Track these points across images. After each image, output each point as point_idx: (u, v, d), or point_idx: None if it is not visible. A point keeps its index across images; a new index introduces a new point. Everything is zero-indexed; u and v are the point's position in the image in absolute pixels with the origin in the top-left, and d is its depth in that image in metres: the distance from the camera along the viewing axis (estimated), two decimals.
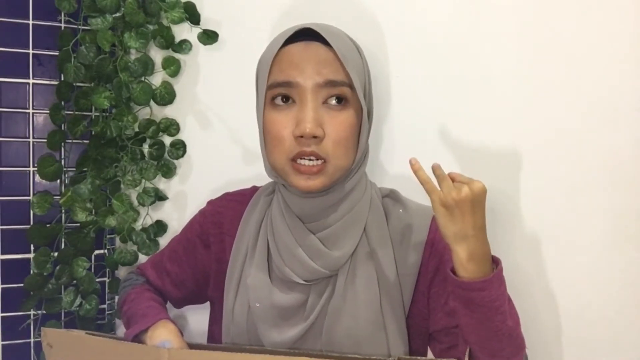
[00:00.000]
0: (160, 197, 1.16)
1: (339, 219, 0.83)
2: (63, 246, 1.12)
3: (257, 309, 0.84)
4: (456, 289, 0.73)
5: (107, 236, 1.16)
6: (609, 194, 1.03)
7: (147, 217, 1.17)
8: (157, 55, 1.13)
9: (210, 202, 0.97)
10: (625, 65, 1.01)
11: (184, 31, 1.14)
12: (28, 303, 1.10)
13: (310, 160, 0.78)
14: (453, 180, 0.73)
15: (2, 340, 1.09)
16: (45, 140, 1.10)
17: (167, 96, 1.13)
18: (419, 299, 0.84)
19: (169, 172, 1.15)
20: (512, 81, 1.04)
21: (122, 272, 1.17)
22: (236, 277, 0.88)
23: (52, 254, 1.11)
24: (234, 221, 0.92)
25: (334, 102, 0.79)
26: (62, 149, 1.12)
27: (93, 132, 1.11)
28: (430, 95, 1.08)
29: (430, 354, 0.87)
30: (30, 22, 1.08)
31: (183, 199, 1.18)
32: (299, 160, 0.78)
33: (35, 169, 1.09)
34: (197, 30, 1.12)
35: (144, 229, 1.16)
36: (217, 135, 1.16)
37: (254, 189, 0.96)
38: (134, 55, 1.12)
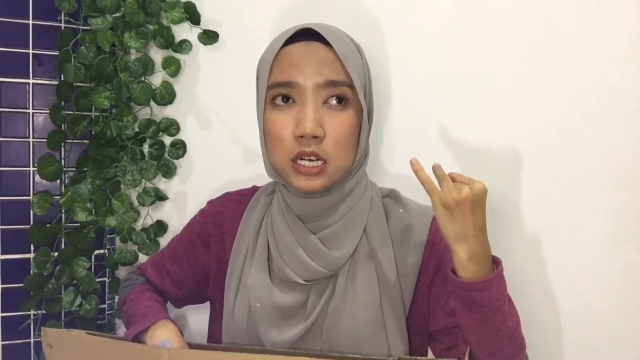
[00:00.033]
0: (160, 197, 1.16)
1: (339, 219, 0.83)
2: (63, 246, 1.12)
3: (258, 309, 0.84)
4: (456, 289, 0.73)
5: (107, 236, 1.16)
6: (609, 194, 1.03)
7: (148, 217, 1.17)
8: (157, 55, 1.13)
9: (210, 202, 0.97)
10: (625, 65, 1.01)
11: (184, 31, 1.14)
12: (28, 303, 1.10)
13: (310, 160, 0.78)
14: (453, 180, 0.73)
15: (2, 340, 1.09)
16: (45, 140, 1.10)
17: (167, 96, 1.13)
18: (419, 299, 0.84)
19: (169, 172, 1.15)
20: (512, 81, 1.04)
21: (122, 272, 1.17)
22: (236, 277, 0.88)
23: (52, 254, 1.11)
24: (234, 221, 0.92)
25: (334, 102, 0.79)
26: (62, 149, 1.12)
27: (93, 132, 1.11)
28: (430, 95, 1.08)
29: (430, 354, 0.87)
30: (30, 22, 1.08)
31: (183, 199, 1.18)
32: (299, 161, 0.78)
33: (35, 169, 1.09)
34: (197, 30, 1.12)
35: (144, 229, 1.16)
36: (217, 135, 1.16)
37: (254, 188, 0.96)
38: (134, 55, 1.12)
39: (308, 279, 0.82)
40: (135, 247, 1.15)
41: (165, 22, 1.12)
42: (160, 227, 1.17)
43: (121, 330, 1.16)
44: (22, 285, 1.09)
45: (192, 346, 0.82)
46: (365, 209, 0.85)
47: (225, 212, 0.94)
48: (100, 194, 1.12)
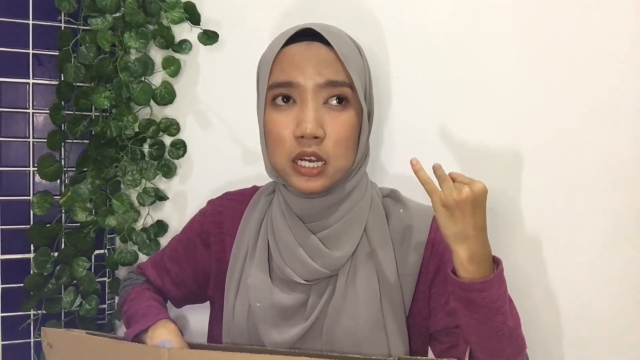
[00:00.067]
0: (160, 197, 1.16)
1: (339, 219, 0.83)
2: (63, 246, 1.12)
3: (258, 309, 0.84)
4: (457, 290, 0.73)
5: (107, 236, 1.16)
6: (609, 194, 1.03)
7: (148, 217, 1.17)
8: (157, 55, 1.13)
9: (210, 202, 0.97)
10: (625, 65, 1.01)
11: (184, 31, 1.14)
12: (28, 303, 1.10)
13: (310, 161, 0.78)
14: (454, 180, 0.73)
15: (2, 340, 1.09)
16: (45, 140, 1.10)
17: (167, 96, 1.13)
18: (419, 298, 0.84)
19: (169, 172, 1.15)
20: (512, 81, 1.04)
21: (122, 272, 1.17)
22: (236, 277, 0.88)
23: (52, 254, 1.11)
24: (234, 221, 0.92)
25: (334, 102, 0.79)
26: (62, 149, 1.12)
27: (93, 132, 1.11)
28: (430, 95, 1.08)
29: (431, 354, 0.87)
30: (30, 22, 1.08)
31: (183, 198, 1.18)
32: (299, 162, 0.78)
33: (35, 169, 1.09)
34: (197, 30, 1.12)
35: (144, 229, 1.16)
36: (218, 135, 1.16)
37: (255, 188, 0.96)
38: (134, 55, 1.12)
39: (308, 279, 0.82)
40: (135, 247, 1.15)
41: (165, 22, 1.12)
42: (161, 227, 1.17)
43: (121, 330, 1.16)
44: (22, 285, 1.09)
45: (192, 346, 0.82)
46: (365, 209, 0.85)
47: (226, 211, 0.94)
48: (100, 194, 1.12)
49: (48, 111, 1.09)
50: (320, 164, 0.78)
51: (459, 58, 1.06)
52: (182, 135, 1.16)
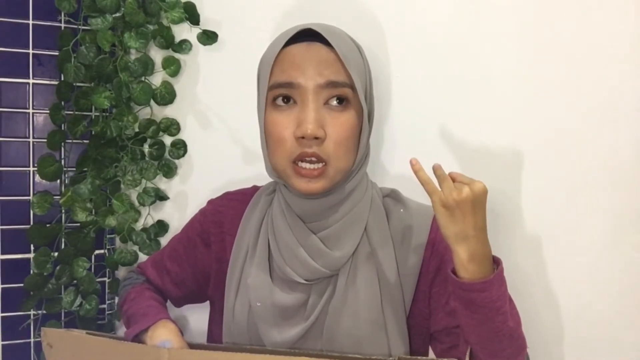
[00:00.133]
0: (160, 197, 1.16)
1: (340, 219, 0.83)
2: (63, 246, 1.12)
3: (258, 309, 0.84)
4: (457, 290, 0.73)
5: (107, 236, 1.16)
6: (609, 194, 1.03)
7: (149, 217, 1.17)
8: (157, 55, 1.13)
9: (210, 202, 0.97)
10: (625, 65, 1.01)
11: (184, 31, 1.14)
12: (28, 303, 1.10)
13: (311, 163, 0.78)
14: (454, 180, 0.73)
15: (2, 340, 1.09)
16: (45, 140, 1.10)
17: (167, 96, 1.13)
18: (420, 298, 0.84)
19: (169, 172, 1.15)
20: (512, 81, 1.04)
21: (121, 272, 1.17)
22: (237, 277, 0.88)
23: (52, 254, 1.11)
24: (234, 220, 0.92)
25: (335, 103, 0.79)
26: (62, 149, 1.12)
27: (93, 132, 1.11)
28: (430, 95, 1.08)
29: (431, 354, 0.87)
30: (30, 22, 1.08)
31: (184, 198, 1.18)
32: (300, 163, 0.78)
33: (35, 169, 1.09)
34: (197, 30, 1.12)
35: (144, 229, 1.16)
36: (218, 135, 1.16)
37: (255, 188, 0.96)
38: (134, 55, 1.12)
39: (309, 279, 0.82)
40: (135, 247, 1.15)
41: (165, 22, 1.12)
42: (161, 227, 1.17)
43: (121, 330, 1.16)
44: (22, 285, 1.09)
45: (192, 346, 0.82)
46: (365, 209, 0.85)
47: (226, 211, 0.94)
48: (100, 194, 1.12)
49: (48, 111, 1.09)
50: (320, 165, 0.78)
51: (459, 58, 1.06)
52: (183, 135, 1.16)
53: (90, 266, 1.14)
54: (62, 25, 1.10)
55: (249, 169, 1.13)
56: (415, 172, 0.73)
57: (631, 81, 1.01)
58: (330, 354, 0.73)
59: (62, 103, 1.10)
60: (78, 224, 1.12)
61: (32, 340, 1.12)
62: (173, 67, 1.13)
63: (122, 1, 1.08)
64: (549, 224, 1.05)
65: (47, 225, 1.10)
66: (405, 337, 0.83)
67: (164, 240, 1.16)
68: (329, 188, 0.81)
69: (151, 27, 1.11)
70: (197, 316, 1.12)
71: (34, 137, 1.10)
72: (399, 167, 1.08)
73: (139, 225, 1.16)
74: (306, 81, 0.77)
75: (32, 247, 1.11)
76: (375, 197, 0.87)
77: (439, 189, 0.72)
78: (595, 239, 1.04)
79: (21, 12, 1.07)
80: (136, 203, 1.15)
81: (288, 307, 0.83)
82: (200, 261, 0.94)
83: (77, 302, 1.13)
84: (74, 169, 1.12)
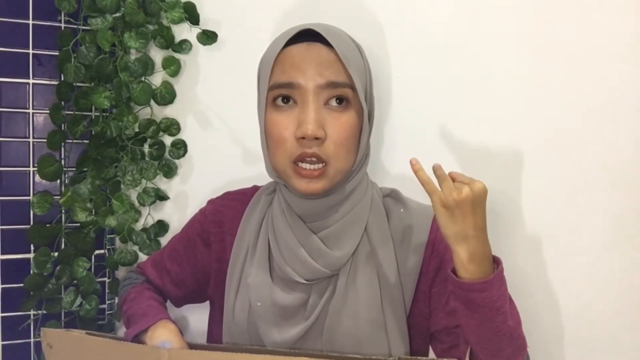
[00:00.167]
0: (161, 197, 1.16)
1: (340, 219, 0.83)
2: (63, 246, 1.12)
3: (258, 308, 0.84)
4: (457, 290, 0.73)
5: (107, 236, 1.16)
6: (609, 194, 1.03)
7: (149, 217, 1.17)
8: (157, 55, 1.13)
9: (210, 201, 0.97)
10: (625, 65, 1.01)
11: (184, 31, 1.14)
12: (28, 303, 1.10)
13: (311, 163, 0.78)
14: (454, 180, 0.73)
15: (2, 340, 1.09)
16: (45, 140, 1.09)
17: (167, 96, 1.13)
18: (420, 298, 0.84)
19: (170, 172, 1.15)
20: (512, 81, 1.04)
21: (121, 272, 1.17)
22: (237, 276, 0.88)
23: (52, 254, 1.10)
24: (234, 220, 0.92)
25: (335, 103, 0.79)
26: (62, 149, 1.12)
27: (93, 132, 1.11)
28: (430, 95, 1.08)
29: (432, 354, 0.87)
30: (30, 22, 1.08)
31: (184, 198, 1.18)
32: (300, 164, 0.78)
33: (35, 169, 1.09)
34: (197, 30, 1.12)
35: (144, 229, 1.16)
36: (218, 135, 1.16)
37: (255, 188, 0.96)
38: (134, 55, 1.12)
39: (309, 279, 0.82)
40: (135, 247, 1.15)
41: (165, 22, 1.12)
42: (161, 227, 1.17)
43: (121, 330, 1.16)
44: (22, 285, 1.09)
45: (192, 346, 0.82)
46: (366, 209, 0.85)
47: (226, 211, 0.94)
48: (100, 194, 1.12)
49: (48, 111, 1.09)
50: (321, 165, 0.78)
51: (459, 58, 1.06)
52: (183, 135, 1.16)
53: (90, 266, 1.14)
54: (62, 25, 1.10)
55: (249, 169, 1.13)
56: (415, 172, 0.73)
57: (631, 81, 1.01)
58: (330, 354, 0.73)
59: (62, 103, 1.10)
60: (78, 224, 1.12)
61: (32, 340, 1.12)
62: (173, 67, 1.13)
63: (122, 1, 1.08)
64: (549, 224, 1.05)
65: (47, 225, 1.10)
66: (406, 337, 0.83)
67: (164, 240, 1.16)
68: (329, 188, 0.81)
69: (151, 27, 1.11)
70: (197, 316, 1.12)
71: (34, 137, 1.10)
72: (399, 167, 1.08)
73: (139, 225, 1.16)
74: (306, 81, 0.77)
75: (32, 247, 1.11)
76: (376, 197, 0.87)
77: (439, 189, 0.72)
78: (595, 239, 1.04)
79: (21, 12, 1.07)
80: (136, 203, 1.15)
81: (288, 307, 0.83)
82: (200, 261, 0.94)
83: (77, 302, 1.13)
84: (74, 169, 1.12)
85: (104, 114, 1.12)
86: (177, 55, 1.13)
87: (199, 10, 1.12)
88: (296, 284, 0.83)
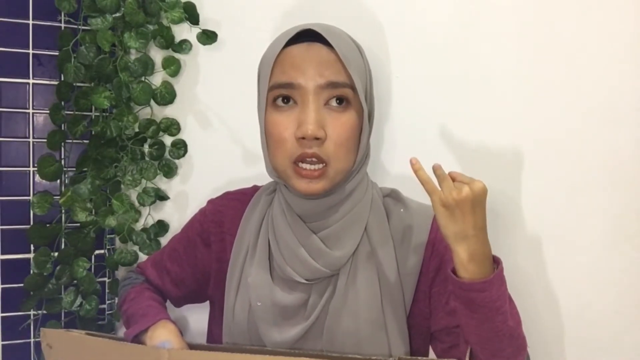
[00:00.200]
0: (161, 197, 1.16)
1: (340, 219, 0.83)
2: (63, 246, 1.12)
3: (258, 308, 0.84)
4: (457, 290, 0.73)
5: (107, 236, 1.16)
6: (609, 194, 1.03)
7: (149, 217, 1.17)
8: (157, 55, 1.13)
9: (210, 201, 0.97)
10: (625, 65, 1.01)
11: (183, 31, 1.14)
12: (28, 303, 1.10)
13: (311, 163, 0.78)
14: (454, 179, 0.73)
15: (2, 340, 1.09)
16: (45, 140, 1.09)
17: (167, 96, 1.13)
18: (420, 298, 0.84)
19: (170, 172, 1.15)
20: (512, 81, 1.05)
21: (121, 272, 1.17)
22: (237, 276, 0.88)
23: (52, 254, 1.10)
24: (234, 220, 0.92)
25: (335, 103, 0.79)
26: (62, 149, 1.12)
27: (93, 132, 1.11)
28: (430, 95, 1.08)
29: (432, 354, 0.87)
30: (30, 22, 1.08)
31: (184, 198, 1.18)
32: (300, 164, 0.78)
33: (35, 169, 1.09)
34: (197, 30, 1.12)
35: (144, 229, 1.16)
36: (218, 135, 1.16)
37: (255, 188, 0.96)
38: (134, 55, 1.12)
39: (309, 279, 0.82)
40: (135, 247, 1.15)
41: (165, 22, 1.12)
42: (161, 227, 1.17)
43: (121, 330, 1.16)
44: (22, 285, 1.09)
45: (192, 346, 0.82)
46: (366, 209, 0.85)
47: (226, 211, 0.94)
48: (100, 194, 1.12)
49: (48, 111, 1.09)
50: (321, 166, 0.78)
51: (459, 58, 1.06)
52: (183, 135, 1.16)
53: (90, 266, 1.14)
54: (62, 25, 1.10)
55: (249, 169, 1.13)
56: (415, 172, 0.73)
57: (631, 81, 1.01)
58: (330, 354, 0.73)
59: (62, 103, 1.10)
60: (78, 224, 1.12)
61: (32, 340, 1.12)
62: (173, 67, 1.13)
63: (122, 1, 1.08)
64: (549, 224, 1.05)
65: (47, 225, 1.10)
66: (406, 337, 0.83)
67: (164, 240, 1.16)
68: (330, 189, 0.81)
69: (151, 27, 1.11)
70: (197, 316, 1.12)
71: (34, 137, 1.10)
72: (399, 167, 1.08)
73: (139, 226, 1.16)
74: (306, 82, 0.77)
75: (32, 247, 1.11)
76: (376, 197, 0.87)
77: (439, 189, 0.72)
78: (595, 239, 1.04)
79: (21, 12, 1.07)
80: (136, 203, 1.15)
81: (288, 307, 0.83)
82: (200, 261, 0.94)
83: (77, 302, 1.13)
84: (74, 169, 1.12)
85: (104, 114, 1.12)
86: (177, 55, 1.13)
87: (199, 10, 1.12)
88: (296, 283, 0.83)
